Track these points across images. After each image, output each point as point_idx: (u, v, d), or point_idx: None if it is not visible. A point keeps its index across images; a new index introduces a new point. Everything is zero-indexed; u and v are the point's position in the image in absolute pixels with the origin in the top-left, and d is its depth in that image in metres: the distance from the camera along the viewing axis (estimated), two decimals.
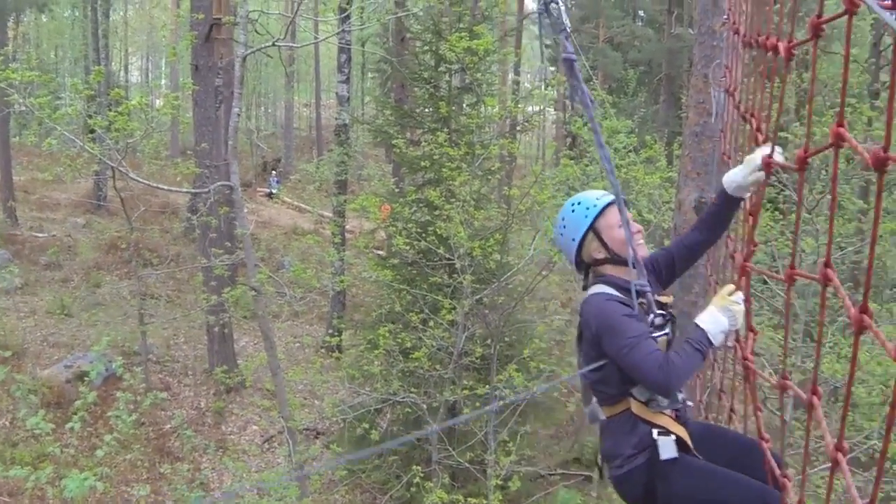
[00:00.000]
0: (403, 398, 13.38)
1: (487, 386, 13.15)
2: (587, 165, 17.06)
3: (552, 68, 46.73)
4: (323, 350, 21.72)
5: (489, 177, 15.79)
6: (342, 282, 20.87)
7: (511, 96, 28.62)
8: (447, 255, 13.56)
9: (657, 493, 3.61)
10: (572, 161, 15.99)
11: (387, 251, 17.61)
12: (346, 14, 18.09)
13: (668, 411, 3.62)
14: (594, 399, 3.84)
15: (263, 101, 67.81)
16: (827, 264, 2.15)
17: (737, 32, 4.08)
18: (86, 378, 13.79)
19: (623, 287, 3.71)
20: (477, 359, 13.66)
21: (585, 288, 3.95)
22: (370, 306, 17.11)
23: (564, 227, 3.96)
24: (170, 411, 18.19)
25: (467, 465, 13.22)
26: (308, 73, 60.52)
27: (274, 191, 42.48)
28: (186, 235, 30.12)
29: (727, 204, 3.75)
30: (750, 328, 3.44)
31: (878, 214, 2.07)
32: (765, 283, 14.02)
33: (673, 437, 3.56)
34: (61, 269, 26.79)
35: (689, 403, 3.84)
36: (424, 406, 13.30)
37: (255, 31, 15.47)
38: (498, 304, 13.98)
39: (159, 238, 29.13)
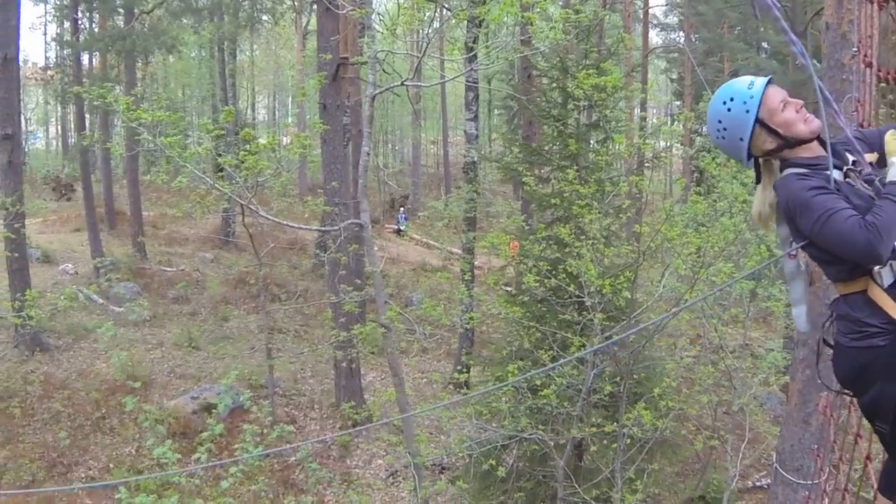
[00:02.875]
0: (531, 435, 13.28)
1: (615, 423, 12.99)
2: (716, 201, 16.78)
3: (678, 102, 46.41)
4: (451, 386, 21.75)
5: (619, 214, 15.63)
6: (472, 318, 20.88)
7: (638, 132, 28.40)
8: (577, 293, 13.44)
9: (871, 383, 3.31)
10: (700, 197, 15.77)
11: (516, 288, 17.52)
12: (472, 53, 18.17)
13: None
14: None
15: (391, 139, 68.63)
16: None
17: (869, 66, 3.98)
18: (213, 410, 14.02)
19: (812, 165, 3.46)
20: (605, 396, 13.51)
21: (759, 181, 3.76)
22: (499, 343, 17.01)
23: (725, 129, 3.63)
24: (295, 444, 18.37)
25: (593, 502, 13.03)
26: (435, 110, 60.97)
27: (402, 227, 42.84)
28: (315, 271, 30.58)
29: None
30: None
31: None
32: None
33: None
34: (189, 302, 27.47)
35: None
36: (551, 443, 13.19)
37: (383, 71, 15.65)
38: (627, 342, 13.81)
39: (287, 274, 29.63)
